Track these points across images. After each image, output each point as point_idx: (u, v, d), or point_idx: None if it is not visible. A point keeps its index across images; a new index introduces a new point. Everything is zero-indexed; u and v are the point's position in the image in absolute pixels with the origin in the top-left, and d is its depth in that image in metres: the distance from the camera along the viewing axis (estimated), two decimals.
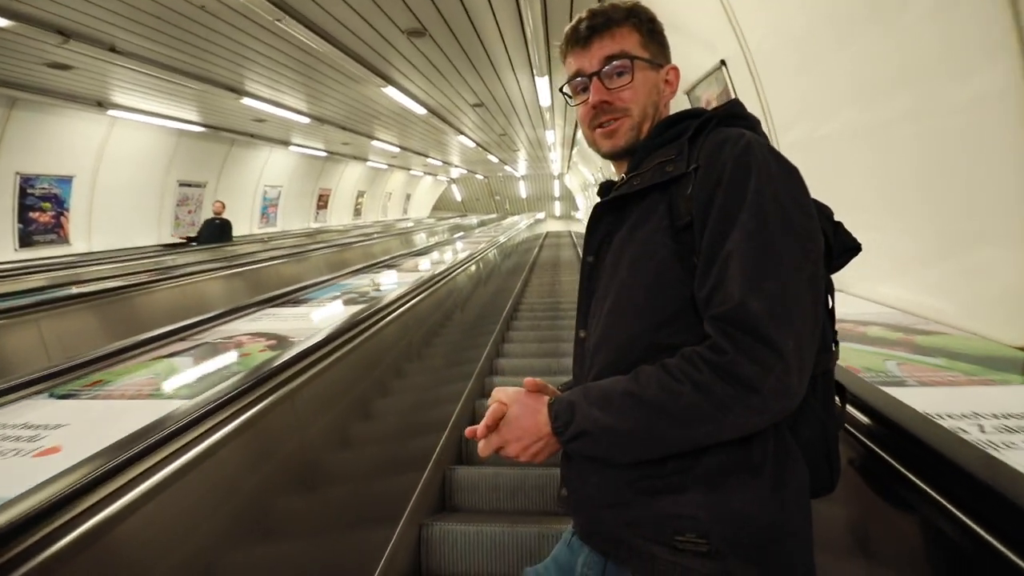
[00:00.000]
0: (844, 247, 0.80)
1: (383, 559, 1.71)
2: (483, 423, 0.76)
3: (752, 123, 0.80)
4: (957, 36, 1.39)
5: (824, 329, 0.76)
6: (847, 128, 2.00)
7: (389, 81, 6.05)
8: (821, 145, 2.19)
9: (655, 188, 0.77)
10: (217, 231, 7.95)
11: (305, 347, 1.36)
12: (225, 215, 8.13)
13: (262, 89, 6.46)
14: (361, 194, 17.12)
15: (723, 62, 2.72)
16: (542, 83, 6.20)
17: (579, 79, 0.85)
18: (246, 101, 6.47)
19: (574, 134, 11.54)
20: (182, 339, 1.76)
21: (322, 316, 2.04)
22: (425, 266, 4.10)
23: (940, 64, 1.49)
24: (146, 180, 8.49)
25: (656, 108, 0.84)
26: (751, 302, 0.64)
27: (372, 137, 10.74)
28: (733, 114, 0.80)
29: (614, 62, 0.81)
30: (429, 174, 21.76)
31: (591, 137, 0.87)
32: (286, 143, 10.93)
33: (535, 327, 5.22)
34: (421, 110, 7.67)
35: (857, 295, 2.05)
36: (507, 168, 19.73)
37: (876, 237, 1.97)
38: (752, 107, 2.59)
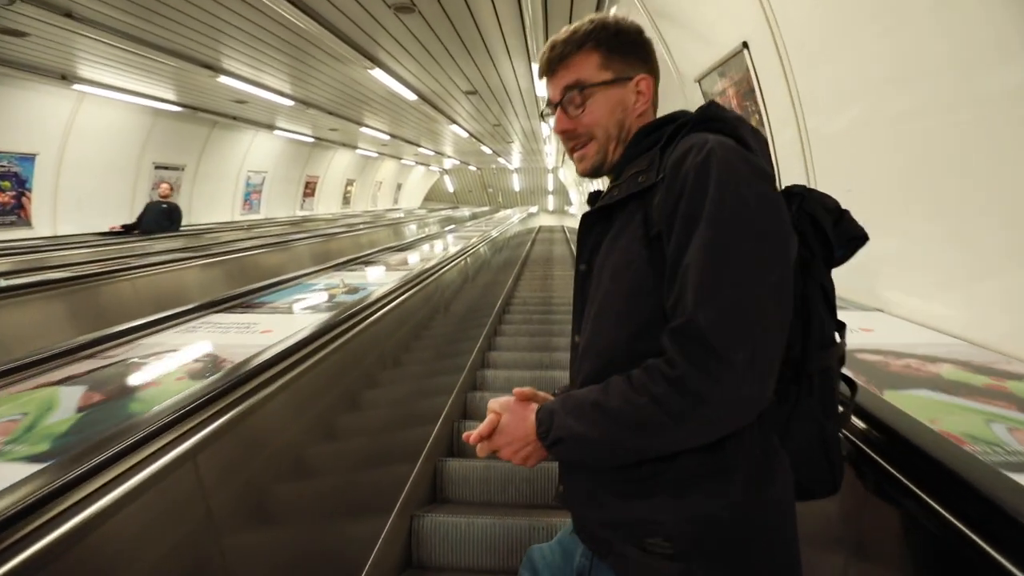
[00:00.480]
0: (848, 236, 0.76)
1: (374, 550, 1.71)
2: (477, 431, 0.81)
3: (730, 125, 0.76)
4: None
5: (823, 326, 0.75)
6: (888, 117, 1.71)
7: (376, 63, 5.66)
8: (859, 136, 1.90)
9: (632, 198, 0.78)
10: (163, 217, 6.59)
11: (198, 399, 1.03)
12: (217, 200, 7.51)
13: (241, 67, 6.05)
14: (350, 182, 16.68)
15: (745, 44, 2.41)
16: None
17: (551, 107, 0.87)
18: (223, 80, 6.05)
19: None
20: (91, 356, 1.42)
21: (272, 328, 1.71)
22: (412, 261, 3.77)
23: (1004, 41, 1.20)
24: (118, 161, 8.03)
25: (622, 125, 0.84)
26: (701, 314, 0.64)
27: (361, 124, 10.33)
28: (707, 117, 0.78)
29: (571, 92, 0.83)
30: (421, 164, 21.31)
31: (571, 158, 0.90)
32: (271, 127, 10.48)
33: (527, 320, 5.31)
34: (411, 96, 7.29)
35: (902, 317, 1.76)
36: (500, 160, 19.35)
37: (924, 243, 1.70)
38: (779, 95, 2.29)
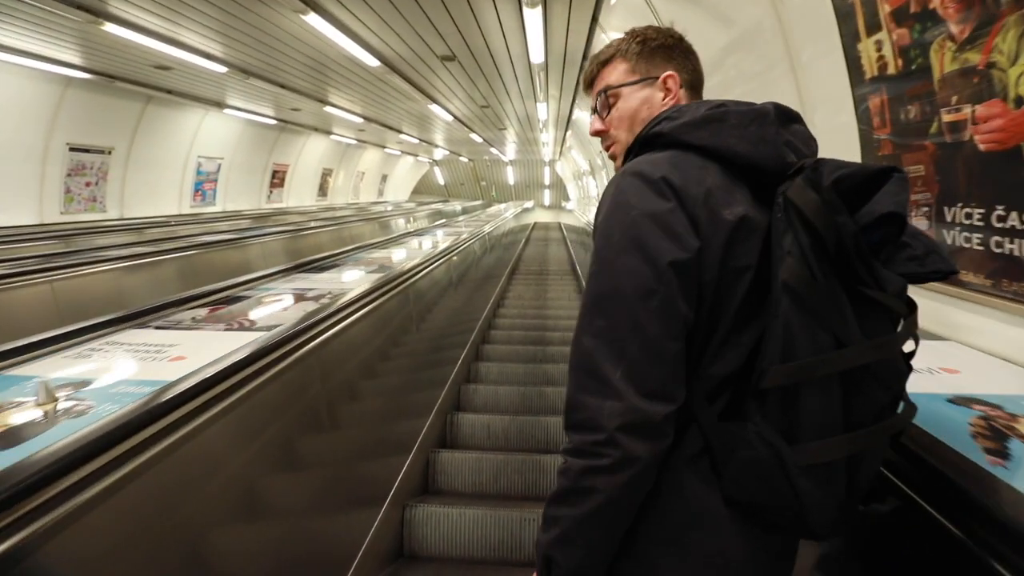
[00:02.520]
0: (875, 214, 0.65)
1: (367, 539, 1.72)
2: None
3: (670, 138, 0.76)
4: None
5: (791, 339, 0.65)
6: None
7: (311, 4, 4.16)
8: None
9: None
10: None
11: None
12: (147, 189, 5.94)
13: (136, 12, 4.52)
14: (328, 172, 15.15)
15: None
16: (533, 19, 4.36)
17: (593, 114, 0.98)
18: (111, 28, 4.52)
19: (570, 112, 9.73)
20: None
21: None
22: (319, 295, 2.34)
23: None
24: (15, 140, 6.51)
25: (643, 124, 0.85)
26: (584, 339, 0.70)
27: (325, 102, 8.80)
28: (651, 135, 0.79)
29: (600, 97, 0.92)
30: (408, 154, 19.77)
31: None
32: (220, 104, 8.94)
33: (522, 315, 5.33)
34: (373, 61, 5.78)
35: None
36: (493, 151, 17.84)
37: None
38: None
